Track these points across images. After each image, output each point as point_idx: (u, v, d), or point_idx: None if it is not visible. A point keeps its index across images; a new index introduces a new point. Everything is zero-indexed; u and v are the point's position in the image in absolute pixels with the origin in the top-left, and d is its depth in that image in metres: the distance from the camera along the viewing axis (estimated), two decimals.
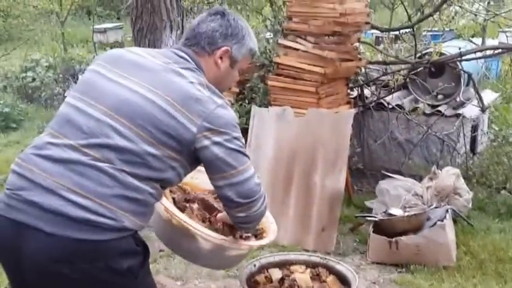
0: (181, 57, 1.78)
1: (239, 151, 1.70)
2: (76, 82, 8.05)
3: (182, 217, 1.91)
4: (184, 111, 1.64)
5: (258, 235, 2.12)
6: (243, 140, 1.75)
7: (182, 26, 4.85)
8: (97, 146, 1.62)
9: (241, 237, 2.02)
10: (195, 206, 2.17)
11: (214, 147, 1.66)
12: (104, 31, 13.01)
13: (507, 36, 5.56)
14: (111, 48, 10.75)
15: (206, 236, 1.87)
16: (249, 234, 2.08)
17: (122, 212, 1.60)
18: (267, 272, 2.56)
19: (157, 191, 1.70)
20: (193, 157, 1.70)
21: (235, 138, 1.70)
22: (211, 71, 1.81)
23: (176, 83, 1.68)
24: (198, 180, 2.16)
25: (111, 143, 1.62)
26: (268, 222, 2.16)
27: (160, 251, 3.79)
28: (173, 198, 2.14)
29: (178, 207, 2.09)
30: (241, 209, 1.76)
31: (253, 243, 2.06)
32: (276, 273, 2.52)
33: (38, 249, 1.57)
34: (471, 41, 5.61)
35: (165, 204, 1.90)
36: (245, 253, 2.04)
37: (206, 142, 1.66)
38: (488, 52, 5.00)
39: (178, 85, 1.68)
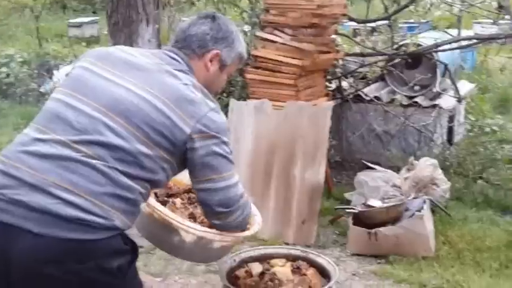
0: (173, 58, 1.77)
1: (226, 157, 1.72)
2: (51, 78, 7.94)
3: (164, 210, 1.89)
4: (178, 112, 1.64)
5: None
6: (231, 147, 1.77)
7: (159, 20, 4.80)
8: (89, 142, 1.58)
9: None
10: (178, 200, 2.16)
11: (203, 150, 1.67)
12: (79, 25, 12.78)
13: (482, 27, 5.62)
14: (87, 43, 10.64)
15: (188, 228, 1.85)
16: None
17: (114, 210, 1.57)
18: (247, 266, 2.54)
19: (146, 192, 1.69)
20: (183, 159, 1.70)
21: (224, 143, 1.71)
22: (201, 73, 1.81)
23: (170, 84, 1.68)
24: (181, 176, 2.14)
25: (104, 141, 1.59)
26: (253, 214, 2.14)
27: (140, 247, 3.75)
28: (155, 193, 2.13)
29: (161, 202, 2.08)
30: (219, 217, 1.79)
31: (238, 234, 2.03)
32: (257, 268, 2.50)
33: (25, 250, 1.51)
34: (446, 32, 5.66)
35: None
36: (230, 245, 2.02)
37: (196, 144, 1.66)
38: (464, 43, 5.04)
39: (173, 86, 1.68)
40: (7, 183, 1.56)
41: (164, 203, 2.11)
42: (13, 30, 11.17)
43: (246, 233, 2.07)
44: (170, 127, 1.63)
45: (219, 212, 1.78)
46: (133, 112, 1.62)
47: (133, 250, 1.69)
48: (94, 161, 1.57)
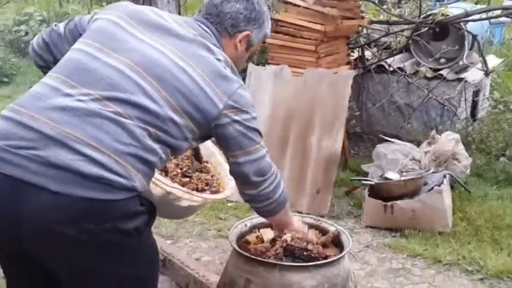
0: (206, 31, 1.73)
1: (257, 130, 1.73)
2: None
3: None
4: (214, 87, 1.62)
5: (213, 189, 2.11)
6: (259, 121, 1.76)
7: None
8: (120, 100, 1.51)
9: (191, 189, 2.00)
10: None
11: (236, 125, 1.67)
12: None
13: None
14: (107, 3, 10.52)
15: (157, 182, 1.79)
16: (205, 187, 2.09)
17: (135, 171, 1.51)
18: (259, 232, 2.48)
19: (166, 158, 1.65)
20: (207, 133, 1.69)
21: (254, 118, 1.72)
22: (229, 52, 1.77)
23: (206, 57, 1.65)
24: None
25: (137, 101, 1.53)
26: (227, 178, 2.10)
27: None
28: None
29: None
30: (256, 186, 1.79)
31: (207, 196, 2.03)
32: (268, 234, 2.44)
33: (41, 210, 1.40)
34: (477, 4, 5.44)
35: None
36: (197, 205, 1.98)
37: (228, 119, 1.65)
38: (496, 13, 4.82)
39: (208, 60, 1.65)
40: (22, 134, 1.44)
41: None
42: None
43: (217, 196, 2.07)
44: (204, 100, 1.61)
45: (255, 182, 1.77)
46: (169, 78, 1.57)
47: (150, 211, 1.63)
48: (122, 119, 1.50)
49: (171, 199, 1.85)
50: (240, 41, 1.79)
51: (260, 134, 1.75)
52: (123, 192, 1.48)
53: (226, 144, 1.72)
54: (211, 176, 2.22)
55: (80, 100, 1.49)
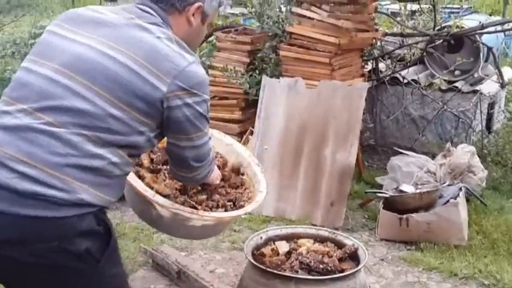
0: (146, 11, 1.61)
1: (205, 116, 1.62)
2: None
3: (138, 185, 1.84)
4: (152, 69, 1.49)
5: (238, 205, 2.02)
6: (209, 103, 1.65)
7: None
8: (51, 108, 1.44)
9: (208, 206, 1.94)
10: None
11: (185, 108, 1.55)
12: (115, 0, 12.84)
13: None
14: None
15: (158, 203, 1.79)
16: (227, 203, 2.00)
17: (79, 183, 1.42)
18: (274, 244, 2.48)
19: (122, 160, 1.51)
20: (163, 118, 1.55)
21: (205, 101, 1.60)
22: (181, 28, 1.66)
23: (140, 38, 1.53)
24: None
25: (66, 105, 1.44)
26: (257, 191, 2.05)
27: None
28: (152, 159, 2.07)
29: (152, 169, 2.02)
30: (190, 170, 1.72)
31: (219, 214, 1.94)
32: (284, 246, 2.44)
33: None
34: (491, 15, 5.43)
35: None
36: (212, 224, 1.92)
37: (179, 102, 1.53)
38: (511, 25, 4.80)
39: (143, 40, 1.52)
40: None
41: (157, 171, 2.03)
42: (49, 1, 11.21)
43: (232, 214, 1.98)
44: (142, 86, 1.48)
45: (192, 166, 1.70)
46: (98, 71, 1.47)
47: (107, 234, 1.50)
48: (54, 129, 1.42)
49: (180, 220, 1.83)
50: (193, 14, 1.67)
51: (207, 120, 1.65)
52: (68, 209, 1.40)
53: (168, 127, 1.59)
54: (245, 189, 2.13)
55: (16, 117, 1.45)
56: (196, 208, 1.88)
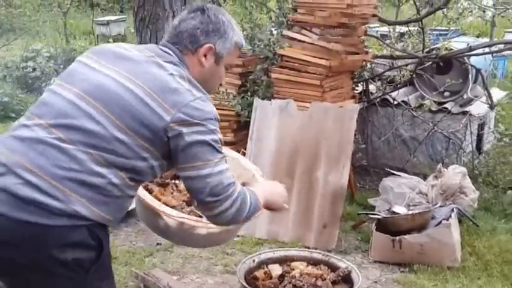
0: (165, 51, 1.76)
1: (211, 145, 1.64)
2: None
3: (145, 196, 1.93)
4: (160, 101, 1.62)
5: None
6: (220, 137, 1.68)
7: None
8: (64, 126, 1.59)
9: None
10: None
11: (186, 138, 1.61)
12: (107, 23, 12.89)
13: None
14: (113, 41, 10.70)
15: (164, 214, 1.88)
16: None
17: (77, 196, 1.53)
18: (267, 267, 2.46)
19: (122, 182, 1.60)
20: (167, 149, 1.64)
21: (211, 131, 1.64)
22: (195, 69, 1.77)
23: (155, 74, 1.67)
24: None
25: (79, 125, 1.59)
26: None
27: (157, 244, 3.70)
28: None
29: (161, 183, 2.14)
30: (210, 207, 1.68)
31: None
32: (276, 269, 2.42)
33: None
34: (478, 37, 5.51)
35: None
36: (218, 232, 1.93)
37: (177, 132, 1.61)
38: (499, 47, 4.87)
39: (157, 75, 1.67)
40: None
41: (165, 185, 2.15)
42: (41, 25, 11.25)
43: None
44: (149, 115, 1.60)
45: (208, 202, 1.66)
46: (112, 99, 1.62)
47: (99, 249, 1.59)
48: (63, 144, 1.56)
49: (187, 229, 1.89)
50: (204, 56, 1.77)
51: (215, 149, 1.65)
52: (60, 218, 1.51)
53: (176, 157, 1.65)
54: None
55: (32, 130, 1.60)
56: (201, 217, 1.93)
